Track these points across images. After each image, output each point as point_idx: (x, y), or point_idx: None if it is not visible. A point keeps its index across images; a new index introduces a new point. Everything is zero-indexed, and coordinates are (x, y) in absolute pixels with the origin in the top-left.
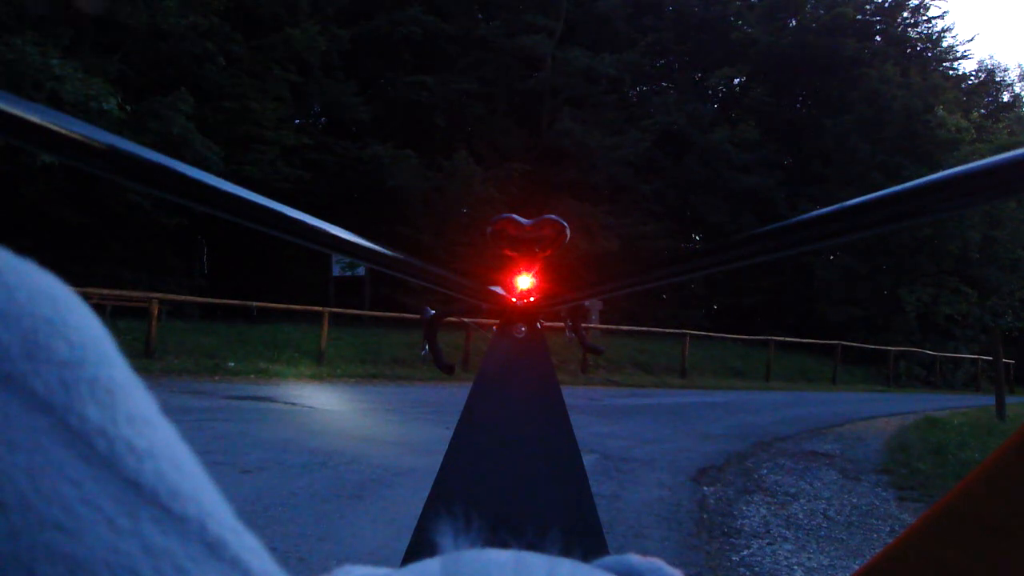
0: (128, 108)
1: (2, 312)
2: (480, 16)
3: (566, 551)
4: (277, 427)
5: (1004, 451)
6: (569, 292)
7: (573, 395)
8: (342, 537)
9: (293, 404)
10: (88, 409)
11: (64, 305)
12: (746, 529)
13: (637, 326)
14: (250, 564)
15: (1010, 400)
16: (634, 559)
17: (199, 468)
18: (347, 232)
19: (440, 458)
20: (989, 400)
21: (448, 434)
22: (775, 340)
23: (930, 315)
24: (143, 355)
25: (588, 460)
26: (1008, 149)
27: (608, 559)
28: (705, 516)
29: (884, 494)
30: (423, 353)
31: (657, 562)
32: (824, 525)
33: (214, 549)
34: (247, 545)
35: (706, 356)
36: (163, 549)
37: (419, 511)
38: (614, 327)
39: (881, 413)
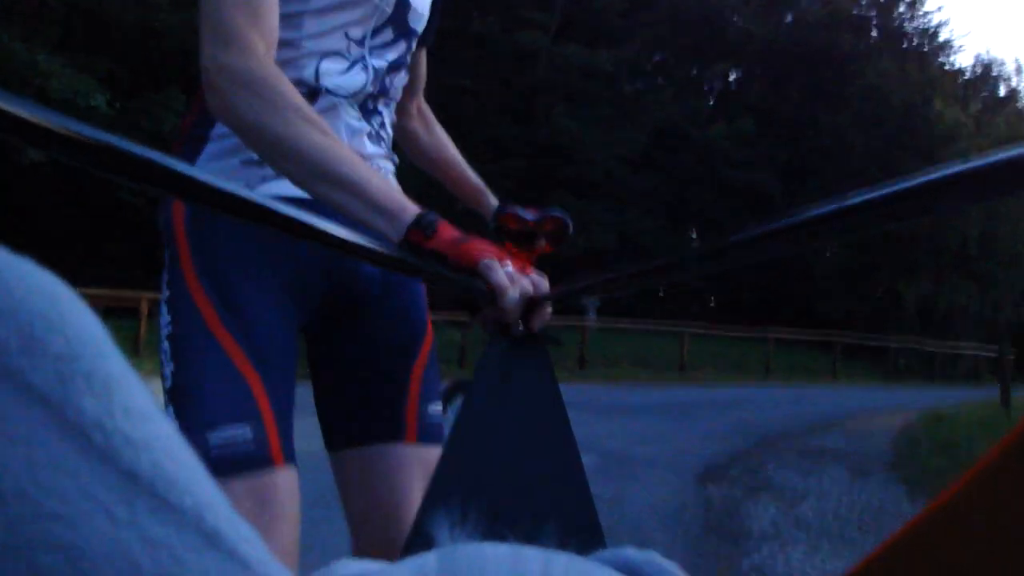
0: (117, 105)
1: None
2: (475, 12)
3: (563, 546)
4: None
5: (1005, 446)
6: (568, 288)
7: (571, 392)
8: (330, 545)
9: None
10: (85, 402)
11: (60, 301)
12: (755, 531)
13: (634, 322)
14: (247, 554)
15: (1014, 393)
16: (630, 552)
17: (195, 460)
18: (341, 228)
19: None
20: (991, 393)
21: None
22: (774, 335)
23: (929, 309)
24: (132, 354)
25: (588, 460)
26: (1007, 142)
27: (604, 552)
28: (712, 518)
29: (895, 491)
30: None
31: (652, 554)
32: (835, 525)
33: (211, 539)
34: (244, 535)
35: (705, 351)
36: (160, 539)
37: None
38: (611, 323)
39: (884, 407)
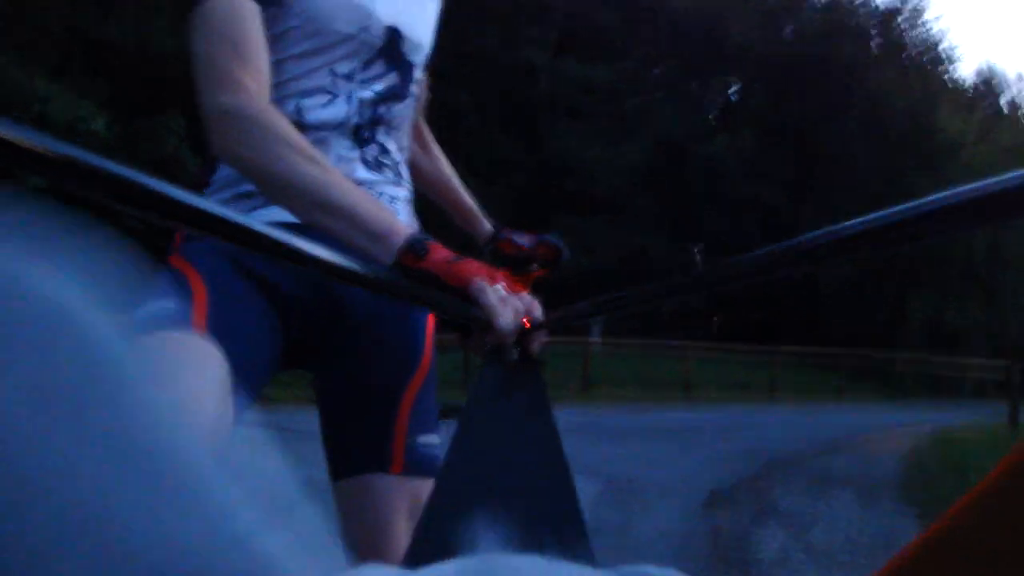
0: (117, 129)
1: (12, 313)
2: (474, 28)
3: None
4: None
5: (1005, 467)
6: (565, 314)
7: (575, 413)
8: None
9: (286, 430)
10: (103, 400)
11: (77, 301)
12: (765, 560)
13: (638, 341)
14: (272, 555)
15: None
16: (651, 570)
17: (217, 460)
18: (336, 255)
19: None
20: (999, 411)
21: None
22: (779, 353)
23: (936, 324)
24: None
25: (593, 485)
26: (1009, 153)
27: (626, 569)
28: (720, 545)
29: (905, 517)
30: None
31: (673, 572)
32: (847, 553)
33: (235, 540)
34: (268, 537)
35: (709, 371)
36: (183, 539)
37: None
38: (615, 343)
39: (892, 427)
